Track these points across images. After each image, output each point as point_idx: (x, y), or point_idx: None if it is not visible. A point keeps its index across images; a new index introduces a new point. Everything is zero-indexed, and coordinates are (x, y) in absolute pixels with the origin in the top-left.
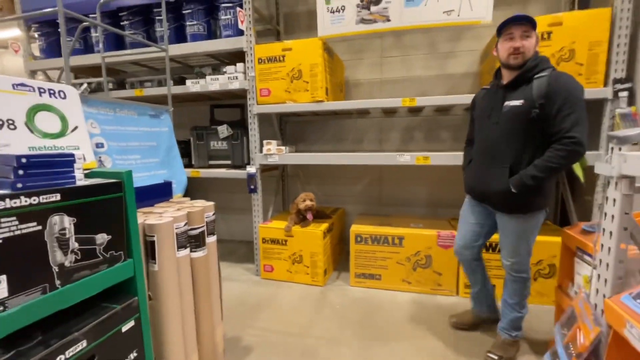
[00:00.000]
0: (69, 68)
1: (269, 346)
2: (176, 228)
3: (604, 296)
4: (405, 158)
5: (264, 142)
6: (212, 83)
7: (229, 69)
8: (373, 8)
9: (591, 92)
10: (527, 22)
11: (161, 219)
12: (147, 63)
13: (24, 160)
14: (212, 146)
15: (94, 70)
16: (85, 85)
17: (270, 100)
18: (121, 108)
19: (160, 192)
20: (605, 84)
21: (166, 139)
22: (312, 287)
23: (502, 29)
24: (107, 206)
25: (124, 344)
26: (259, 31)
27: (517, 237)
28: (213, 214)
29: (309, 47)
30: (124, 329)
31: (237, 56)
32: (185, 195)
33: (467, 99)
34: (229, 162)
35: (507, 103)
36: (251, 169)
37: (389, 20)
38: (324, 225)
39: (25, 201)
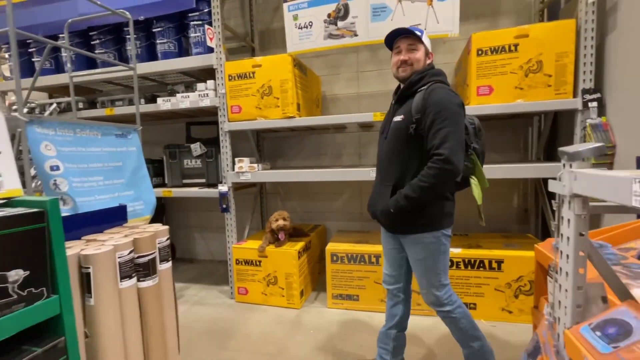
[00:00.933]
0: (21, 95)
1: None
2: (119, 257)
3: (564, 325)
4: None
5: (236, 159)
6: (183, 101)
7: (200, 86)
8: (340, 23)
9: (561, 103)
10: (413, 36)
11: (100, 248)
12: (122, 82)
13: None
14: (186, 164)
15: (65, 90)
16: (54, 105)
17: (241, 117)
18: (82, 129)
19: (111, 217)
20: (575, 95)
21: (134, 159)
22: (287, 309)
23: (392, 43)
24: (24, 239)
25: None
26: (233, 48)
27: (415, 262)
28: (167, 239)
29: (279, 63)
30: None
31: (210, 73)
32: (159, 215)
33: None
34: (203, 180)
35: (394, 118)
36: (223, 188)
37: (356, 35)
38: (300, 245)
39: None
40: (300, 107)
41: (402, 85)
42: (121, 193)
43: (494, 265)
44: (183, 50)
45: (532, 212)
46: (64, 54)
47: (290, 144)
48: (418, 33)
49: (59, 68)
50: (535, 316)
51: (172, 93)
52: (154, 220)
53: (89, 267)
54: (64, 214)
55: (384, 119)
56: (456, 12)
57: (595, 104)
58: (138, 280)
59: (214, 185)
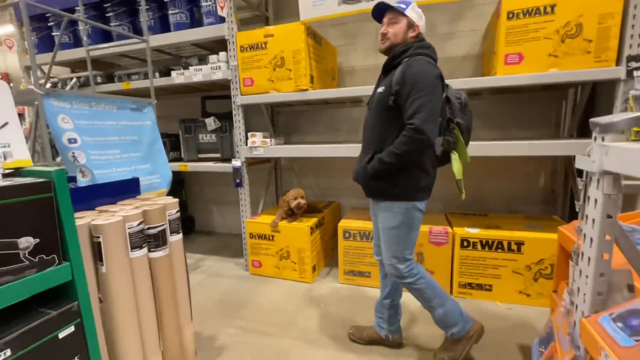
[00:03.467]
0: (36, 68)
1: (242, 347)
2: (128, 228)
3: (582, 314)
4: None
5: (249, 134)
6: (196, 74)
7: (212, 58)
8: None
9: (601, 71)
10: (393, 9)
11: (108, 219)
12: (138, 55)
13: None
14: (201, 139)
15: (83, 64)
16: (74, 79)
17: (253, 91)
18: (98, 102)
19: (125, 189)
20: (618, 63)
21: (149, 133)
22: (299, 283)
23: (378, 17)
24: (33, 208)
25: (62, 351)
26: (247, 18)
27: (382, 230)
28: (177, 212)
29: (292, 32)
30: (61, 335)
31: (222, 45)
32: (179, 189)
33: (465, 83)
34: (218, 155)
35: (377, 90)
36: (236, 162)
37: None
38: (312, 221)
39: None
40: (314, 79)
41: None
42: (138, 166)
43: (514, 247)
44: (195, 21)
45: (560, 193)
46: (81, 28)
47: (305, 118)
48: (402, 6)
49: (77, 42)
50: (553, 301)
51: (186, 66)
52: (173, 194)
53: (99, 237)
54: (83, 185)
55: (373, 91)
56: None
57: None
58: (149, 251)
59: (229, 160)
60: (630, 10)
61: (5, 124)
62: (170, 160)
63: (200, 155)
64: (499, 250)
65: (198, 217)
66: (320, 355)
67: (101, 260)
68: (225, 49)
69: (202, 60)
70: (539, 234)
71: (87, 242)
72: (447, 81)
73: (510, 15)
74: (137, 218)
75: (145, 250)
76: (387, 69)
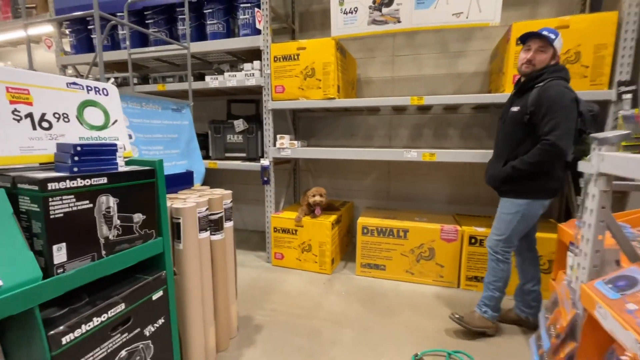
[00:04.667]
0: (103, 68)
1: (278, 325)
2: (198, 212)
3: (582, 282)
4: (412, 154)
5: (278, 136)
6: (230, 79)
7: (247, 66)
8: (384, 10)
9: (596, 94)
10: (545, 38)
11: (185, 203)
12: (168, 59)
13: (79, 148)
14: (228, 139)
15: (118, 65)
16: (112, 79)
17: (284, 97)
18: (147, 102)
19: (183, 181)
20: (610, 86)
21: (187, 132)
22: (319, 274)
23: (525, 40)
24: (142, 190)
25: (154, 310)
26: (274, 29)
27: (498, 216)
28: (230, 202)
29: (323, 46)
30: (154, 297)
31: (254, 54)
32: (204, 185)
33: (474, 98)
34: (244, 154)
35: (512, 108)
36: (265, 162)
37: (399, 21)
38: (333, 217)
39: (81, 183)
40: (339, 89)
41: (522, 79)
42: (177, 162)
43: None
44: (230, 31)
45: (556, 198)
46: (120, 32)
47: (324, 124)
48: (552, 36)
49: (114, 45)
50: (552, 287)
51: (219, 72)
52: None
53: (179, 218)
54: None
55: (504, 107)
56: (499, 1)
57: (629, 95)
58: (211, 234)
59: (254, 160)
60: (620, 43)
61: (115, 121)
62: None
63: (227, 154)
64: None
65: None
66: (348, 334)
67: (179, 238)
68: (256, 57)
69: (233, 67)
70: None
71: (168, 223)
72: (460, 96)
73: (518, 42)
74: (205, 205)
75: (208, 233)
76: (522, 90)
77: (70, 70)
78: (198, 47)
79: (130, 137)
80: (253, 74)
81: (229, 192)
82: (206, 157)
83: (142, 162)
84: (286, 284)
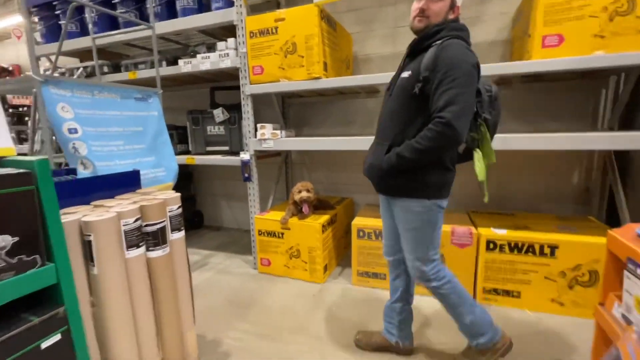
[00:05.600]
0: (34, 55)
1: (246, 353)
2: (124, 225)
3: None
4: None
5: (258, 125)
6: (204, 62)
7: (220, 45)
8: None
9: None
10: None
11: (102, 215)
12: (146, 45)
13: None
14: (209, 131)
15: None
16: (81, 69)
17: (263, 79)
18: (100, 90)
19: (124, 182)
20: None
21: (154, 124)
22: (310, 284)
23: None
24: (10, 202)
25: None
26: (258, 4)
27: (403, 231)
28: (179, 207)
29: (304, 16)
30: (45, 345)
31: (231, 31)
32: (187, 183)
33: (491, 69)
34: (227, 147)
35: (401, 74)
36: (245, 156)
37: None
38: (324, 218)
39: None
40: (327, 66)
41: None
42: (142, 159)
43: (546, 250)
44: (203, 6)
45: (597, 192)
46: (87, 15)
47: (318, 110)
48: None
49: (85, 31)
50: (599, 315)
51: (194, 55)
52: (180, 188)
53: (90, 235)
54: (78, 178)
55: (393, 76)
56: None
57: None
58: (147, 250)
59: (238, 153)
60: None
61: None
62: (178, 153)
63: (209, 148)
64: (530, 253)
65: (207, 212)
66: None
67: (92, 260)
68: (234, 35)
69: (211, 49)
70: (575, 237)
71: (77, 241)
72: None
73: None
74: (134, 214)
75: (142, 249)
76: (415, 51)
77: (47, 62)
78: (165, 26)
79: (75, 131)
80: (227, 53)
81: (177, 195)
82: (187, 151)
83: (19, 163)
84: (269, 296)
